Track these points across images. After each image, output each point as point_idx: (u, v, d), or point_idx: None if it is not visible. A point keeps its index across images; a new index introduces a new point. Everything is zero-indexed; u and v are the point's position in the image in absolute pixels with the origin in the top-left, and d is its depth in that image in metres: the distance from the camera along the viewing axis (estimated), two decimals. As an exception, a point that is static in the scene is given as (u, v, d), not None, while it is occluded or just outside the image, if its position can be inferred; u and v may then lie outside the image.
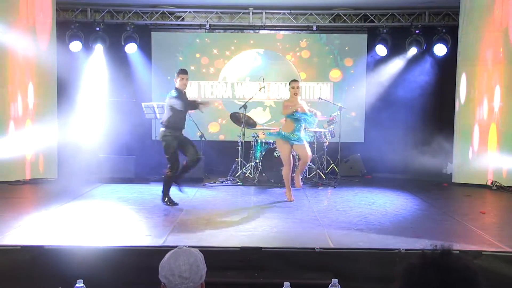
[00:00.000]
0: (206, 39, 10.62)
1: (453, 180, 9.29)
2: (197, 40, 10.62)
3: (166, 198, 7.12)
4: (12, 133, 8.87)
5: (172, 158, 7.06)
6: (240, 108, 9.24)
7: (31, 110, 9.08)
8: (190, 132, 10.09)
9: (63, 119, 9.47)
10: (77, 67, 10.06)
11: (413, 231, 5.82)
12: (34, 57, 8.99)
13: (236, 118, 9.37)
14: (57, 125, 9.34)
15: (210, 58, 10.62)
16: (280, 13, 10.33)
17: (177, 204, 7.08)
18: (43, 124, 9.16)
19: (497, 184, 8.70)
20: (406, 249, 4.84)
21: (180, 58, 10.57)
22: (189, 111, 7.46)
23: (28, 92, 9.02)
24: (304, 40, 10.66)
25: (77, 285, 3.20)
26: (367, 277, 4.71)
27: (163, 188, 7.15)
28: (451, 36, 9.71)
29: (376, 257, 4.91)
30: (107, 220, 6.27)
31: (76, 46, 9.79)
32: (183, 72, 7.20)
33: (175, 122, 7.08)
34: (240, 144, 9.18)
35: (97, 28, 9.88)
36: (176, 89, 7.13)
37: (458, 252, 4.45)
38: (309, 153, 7.65)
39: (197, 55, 10.60)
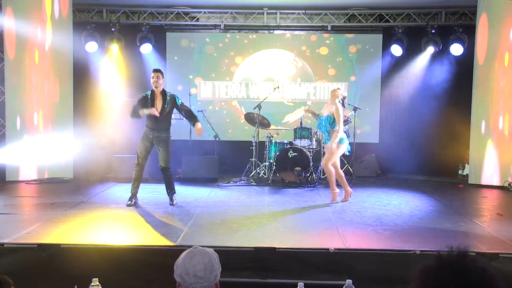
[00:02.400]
0: (221, 40, 10.64)
1: (469, 181, 9.20)
2: (212, 41, 10.64)
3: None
4: (28, 133, 8.98)
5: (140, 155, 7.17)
6: (254, 108, 9.24)
7: (48, 110, 9.18)
8: (204, 132, 10.18)
9: (78, 119, 9.57)
10: (93, 67, 10.16)
11: (428, 232, 5.77)
12: (51, 57, 9.10)
13: (250, 118, 9.39)
14: (73, 125, 9.43)
15: (225, 59, 10.64)
16: (294, 13, 10.32)
17: (132, 205, 7.10)
18: (60, 124, 9.27)
19: (515, 186, 8.59)
20: (421, 251, 4.80)
21: (194, 59, 10.61)
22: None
23: (44, 92, 9.13)
24: (319, 40, 10.63)
25: (92, 283, 3.22)
26: (381, 279, 4.68)
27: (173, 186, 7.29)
28: (468, 36, 9.60)
29: (391, 258, 4.88)
30: (122, 220, 6.32)
31: (92, 46, 9.88)
32: (154, 70, 7.14)
33: (147, 122, 7.15)
34: (254, 144, 9.19)
35: (113, 29, 9.96)
36: (152, 90, 7.11)
37: (474, 254, 4.40)
38: (324, 160, 7.65)
39: (212, 56, 10.62)
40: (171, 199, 7.24)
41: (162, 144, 7.09)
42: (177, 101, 7.17)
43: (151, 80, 7.07)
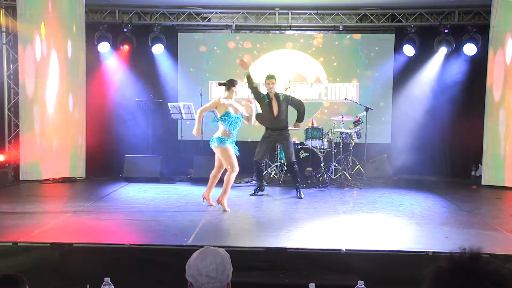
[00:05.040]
0: (232, 40, 10.64)
1: (483, 182, 9.11)
2: (223, 41, 10.65)
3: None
4: (42, 133, 9.06)
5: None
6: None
7: (61, 110, 9.25)
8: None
9: (91, 118, 9.63)
10: (105, 67, 10.22)
11: (440, 233, 5.73)
12: (64, 58, 9.17)
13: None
14: (85, 125, 9.50)
15: (236, 59, 10.61)
16: (306, 13, 10.29)
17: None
18: (72, 123, 9.33)
19: (529, 187, 8.50)
20: (433, 252, 4.77)
21: (206, 59, 10.62)
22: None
23: (57, 92, 9.19)
24: (330, 40, 10.60)
25: (104, 283, 3.24)
26: (393, 280, 4.66)
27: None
28: (482, 36, 9.51)
29: (403, 259, 4.85)
30: (134, 219, 6.35)
31: (104, 47, 9.92)
32: (268, 77, 7.79)
33: (265, 123, 7.91)
34: (265, 144, 9.17)
35: (125, 29, 10.00)
36: (267, 93, 7.80)
37: (487, 256, 4.36)
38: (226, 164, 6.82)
39: (223, 56, 10.62)
40: (300, 193, 7.81)
41: (285, 142, 7.89)
42: (289, 99, 7.91)
43: (267, 87, 7.72)
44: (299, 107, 7.99)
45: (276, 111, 7.73)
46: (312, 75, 10.54)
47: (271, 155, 9.29)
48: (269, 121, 7.82)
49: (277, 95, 7.79)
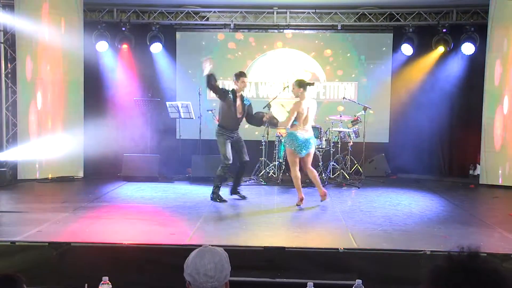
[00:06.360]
0: (230, 39, 10.63)
1: (480, 182, 9.12)
2: (222, 40, 10.64)
3: (215, 195, 7.44)
4: (40, 132, 9.05)
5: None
6: (263, 108, 9.21)
7: (59, 109, 9.24)
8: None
9: (89, 117, 9.62)
10: (103, 66, 10.20)
11: (438, 232, 5.74)
12: (62, 57, 9.16)
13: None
14: (83, 124, 9.49)
15: (234, 58, 10.64)
16: (304, 12, 10.29)
17: (225, 201, 7.41)
18: (70, 122, 9.32)
19: (526, 186, 8.52)
20: (431, 251, 4.78)
21: (204, 58, 10.60)
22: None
23: (55, 92, 9.19)
24: (329, 39, 10.60)
25: (102, 282, 3.24)
26: (391, 279, 4.66)
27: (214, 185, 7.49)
28: (480, 35, 9.52)
29: (400, 258, 4.86)
30: (132, 219, 6.35)
31: (102, 46, 9.91)
32: (245, 75, 7.56)
33: (226, 123, 7.43)
34: (263, 143, 9.18)
35: (123, 28, 9.99)
36: (233, 90, 7.43)
37: (485, 254, 4.37)
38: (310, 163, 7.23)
39: (221, 55, 10.61)
40: (240, 193, 7.67)
41: (242, 141, 7.55)
42: (249, 101, 7.63)
43: (241, 85, 7.36)
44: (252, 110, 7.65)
45: (240, 111, 7.38)
46: (308, 75, 10.52)
47: (269, 154, 9.29)
48: (231, 120, 7.39)
49: (241, 96, 7.44)
